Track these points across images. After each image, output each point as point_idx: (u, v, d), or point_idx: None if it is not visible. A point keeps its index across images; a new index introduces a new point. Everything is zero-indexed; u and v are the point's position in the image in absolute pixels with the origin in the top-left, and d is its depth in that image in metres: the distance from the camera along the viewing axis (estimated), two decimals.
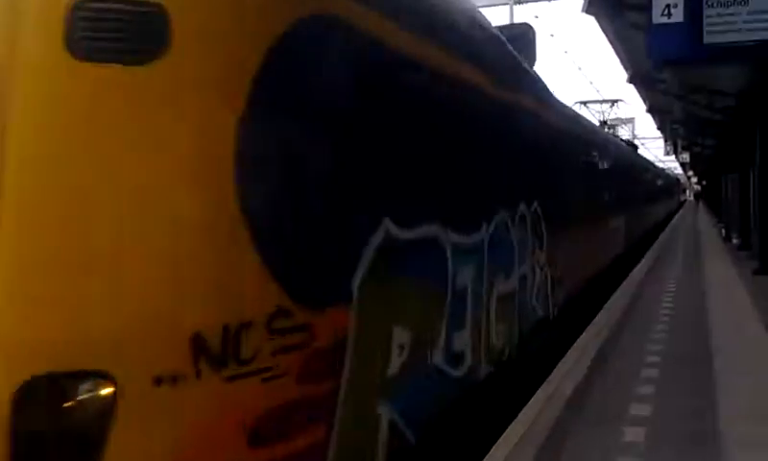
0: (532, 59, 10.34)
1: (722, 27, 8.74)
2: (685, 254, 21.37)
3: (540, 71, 10.20)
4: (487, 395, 5.97)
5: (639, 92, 23.03)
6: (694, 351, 8.29)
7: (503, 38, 7.40)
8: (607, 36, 14.87)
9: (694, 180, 76.52)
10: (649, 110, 26.96)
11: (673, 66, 12.24)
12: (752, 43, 8.65)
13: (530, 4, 21.15)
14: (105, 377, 2.73)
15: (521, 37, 10.20)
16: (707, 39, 8.73)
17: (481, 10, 7.21)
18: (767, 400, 6.31)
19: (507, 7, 19.45)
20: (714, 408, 6.09)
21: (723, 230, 28.26)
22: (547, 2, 24.35)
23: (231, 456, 2.95)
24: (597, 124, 29.19)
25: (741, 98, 19.11)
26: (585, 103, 36.58)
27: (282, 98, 3.25)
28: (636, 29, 11.77)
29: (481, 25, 6.55)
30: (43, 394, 2.69)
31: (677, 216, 51.82)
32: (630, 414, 5.95)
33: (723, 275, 15.78)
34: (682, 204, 79.95)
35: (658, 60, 9.46)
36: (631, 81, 18.40)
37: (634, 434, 5.44)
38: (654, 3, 8.71)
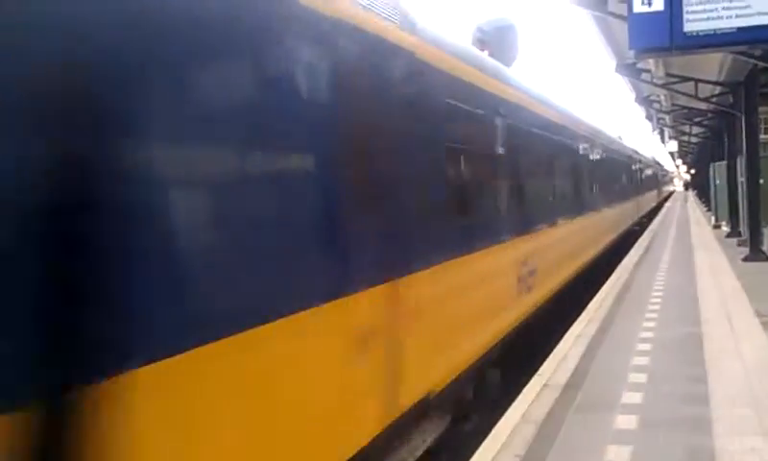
0: (513, 54, 10.32)
1: (702, 15, 8.71)
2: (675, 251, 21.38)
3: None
4: None
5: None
6: None
7: None
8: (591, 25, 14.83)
9: (683, 169, 76.73)
10: (636, 100, 26.94)
11: (655, 55, 12.22)
12: (732, 31, 8.63)
13: None
14: None
15: (504, 33, 10.17)
16: (687, 28, 8.70)
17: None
18: None
19: None
20: None
21: (713, 218, 28.30)
22: None
23: None
24: None
25: (726, 86, 19.14)
26: None
27: None
28: (617, 18, 11.72)
29: None
30: None
31: (663, 210, 43.81)
32: None
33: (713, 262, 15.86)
34: (668, 196, 67.72)
35: (639, 50, 9.42)
36: (617, 70, 18.34)
37: None
38: None
